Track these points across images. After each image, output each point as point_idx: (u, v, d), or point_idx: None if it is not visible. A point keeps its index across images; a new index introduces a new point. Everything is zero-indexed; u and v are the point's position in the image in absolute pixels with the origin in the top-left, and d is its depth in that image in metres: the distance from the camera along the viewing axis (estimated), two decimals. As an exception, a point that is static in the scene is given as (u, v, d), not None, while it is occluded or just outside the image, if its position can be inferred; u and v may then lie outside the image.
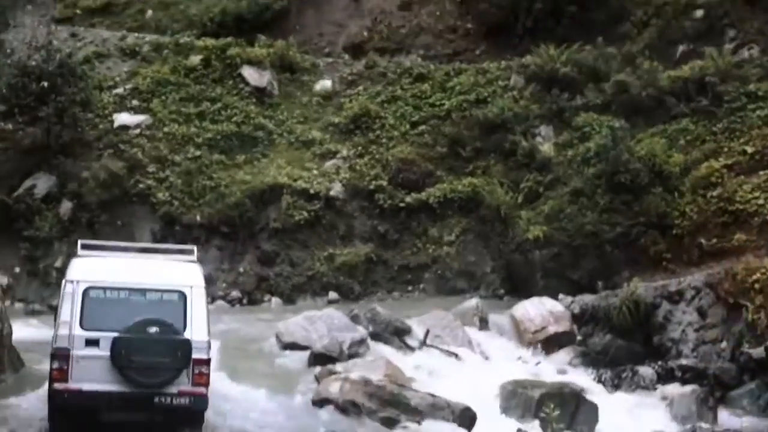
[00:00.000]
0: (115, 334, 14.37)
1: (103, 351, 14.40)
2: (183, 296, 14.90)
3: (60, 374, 14.25)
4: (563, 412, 19.55)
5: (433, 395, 18.83)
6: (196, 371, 14.63)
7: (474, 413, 18.91)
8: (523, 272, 30.33)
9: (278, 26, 40.61)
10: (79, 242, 16.72)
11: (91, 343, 14.39)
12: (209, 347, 15.03)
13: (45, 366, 16.31)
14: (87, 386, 14.27)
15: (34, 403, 17.02)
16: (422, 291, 31.38)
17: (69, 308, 14.55)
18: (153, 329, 14.42)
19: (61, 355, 14.34)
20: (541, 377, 22.39)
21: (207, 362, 14.83)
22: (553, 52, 35.07)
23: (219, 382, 17.43)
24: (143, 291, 14.89)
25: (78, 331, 14.39)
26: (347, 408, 18.13)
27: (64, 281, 15.29)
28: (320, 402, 18.43)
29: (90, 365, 14.31)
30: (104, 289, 14.80)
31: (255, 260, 31.72)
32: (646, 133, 32.04)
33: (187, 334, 14.71)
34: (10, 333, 20.41)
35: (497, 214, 31.55)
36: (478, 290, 30.74)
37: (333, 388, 18.52)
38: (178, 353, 14.48)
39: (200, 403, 14.88)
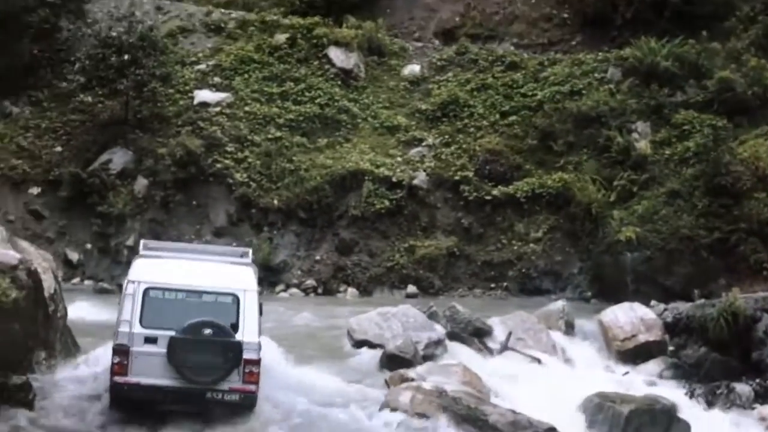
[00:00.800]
0: (172, 334, 15.23)
1: (161, 348, 15.25)
2: (236, 299, 15.66)
3: (120, 368, 15.12)
4: (653, 430, 18.48)
5: (514, 412, 17.26)
6: (247, 370, 15.39)
7: (558, 434, 17.33)
8: (613, 275, 29.02)
9: (368, 8, 39.57)
10: (142, 242, 17.93)
11: (150, 340, 15.25)
12: (260, 348, 15.70)
13: (101, 352, 17.09)
14: (144, 380, 15.13)
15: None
16: (505, 289, 30.24)
17: (130, 307, 15.34)
18: (207, 331, 15.20)
19: (121, 351, 15.18)
20: (628, 389, 20.84)
21: (257, 362, 15.51)
22: (654, 45, 33.62)
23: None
24: (199, 293, 15.69)
25: (138, 329, 15.23)
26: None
27: (126, 281, 15.99)
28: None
29: (148, 361, 15.16)
30: (163, 290, 15.58)
31: (332, 248, 30.80)
32: (749, 134, 30.65)
33: (239, 336, 15.45)
34: (65, 315, 19.34)
35: (587, 212, 30.30)
36: (564, 291, 29.58)
37: (403, 397, 16.95)
38: (230, 354, 15.28)
39: (249, 399, 15.61)
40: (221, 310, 15.54)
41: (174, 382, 15.23)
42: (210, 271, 16.19)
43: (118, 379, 15.21)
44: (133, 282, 15.57)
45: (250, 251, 17.98)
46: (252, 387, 15.48)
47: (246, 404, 15.58)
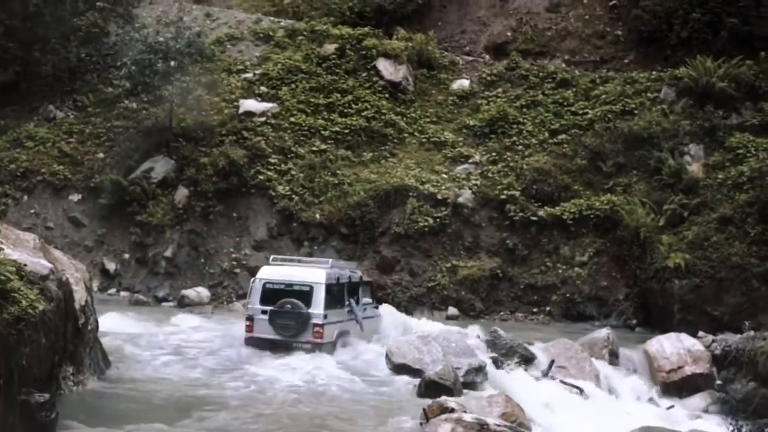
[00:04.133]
0: (271, 308, 23.19)
1: (268, 317, 23.21)
2: (311, 288, 23.31)
3: (249, 328, 23.36)
4: (698, 469, 17.70)
5: (557, 450, 16.59)
6: (315, 330, 22.97)
7: (602, 476, 16.59)
8: (659, 303, 28.32)
9: (419, 20, 39.29)
10: (272, 257, 25.68)
11: (263, 312, 23.21)
12: (324, 317, 22.97)
13: (135, 370, 19.63)
14: (260, 335, 23.21)
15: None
16: (548, 314, 29.58)
17: (256, 294, 23.50)
18: (288, 306, 23.04)
19: (250, 318, 23.42)
20: (673, 424, 20.17)
21: (321, 325, 22.96)
22: (710, 65, 32.73)
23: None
24: (290, 284, 23.44)
25: (257, 305, 23.39)
26: (456, 456, 15.97)
27: (253, 279, 24.16)
28: (425, 448, 16.31)
29: (262, 324, 23.16)
30: (272, 283, 23.52)
31: (373, 266, 30.22)
32: (807, 160, 29.65)
33: (310, 309, 22.99)
34: (96, 329, 19.03)
35: (635, 236, 29.55)
36: (609, 318, 28.92)
37: (442, 430, 16.40)
38: (300, 319, 22.93)
39: (315, 347, 22.76)
40: (301, 294, 23.16)
41: (274, 336, 23.01)
42: (299, 272, 24.05)
43: (247, 333, 23.35)
44: (258, 279, 23.76)
45: (331, 260, 25.19)
46: (317, 340, 22.89)
47: (314, 350, 22.71)
